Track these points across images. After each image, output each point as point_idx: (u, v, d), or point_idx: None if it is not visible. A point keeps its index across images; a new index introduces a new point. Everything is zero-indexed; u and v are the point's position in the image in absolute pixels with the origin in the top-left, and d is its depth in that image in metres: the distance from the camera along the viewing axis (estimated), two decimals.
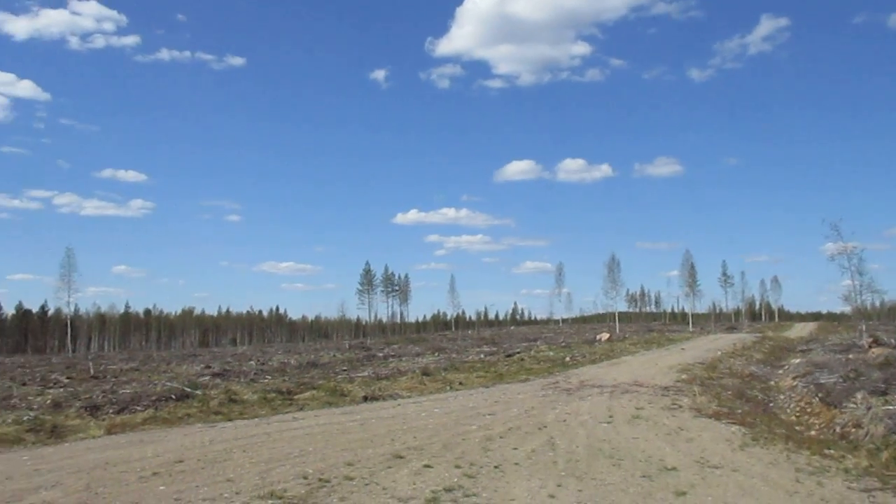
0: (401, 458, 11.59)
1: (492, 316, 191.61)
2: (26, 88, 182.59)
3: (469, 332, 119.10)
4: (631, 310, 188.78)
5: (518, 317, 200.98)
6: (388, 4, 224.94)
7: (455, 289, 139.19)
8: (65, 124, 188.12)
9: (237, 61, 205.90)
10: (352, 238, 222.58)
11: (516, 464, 11.24)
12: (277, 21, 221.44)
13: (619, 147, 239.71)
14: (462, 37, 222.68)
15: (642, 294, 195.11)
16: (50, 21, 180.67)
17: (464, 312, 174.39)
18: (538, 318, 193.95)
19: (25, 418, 18.43)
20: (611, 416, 16.28)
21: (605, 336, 57.68)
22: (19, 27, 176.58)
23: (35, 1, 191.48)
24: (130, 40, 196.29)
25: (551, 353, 38.85)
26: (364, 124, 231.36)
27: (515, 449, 12.43)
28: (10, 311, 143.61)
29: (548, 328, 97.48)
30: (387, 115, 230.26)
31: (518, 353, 39.52)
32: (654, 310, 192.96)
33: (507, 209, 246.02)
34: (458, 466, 10.95)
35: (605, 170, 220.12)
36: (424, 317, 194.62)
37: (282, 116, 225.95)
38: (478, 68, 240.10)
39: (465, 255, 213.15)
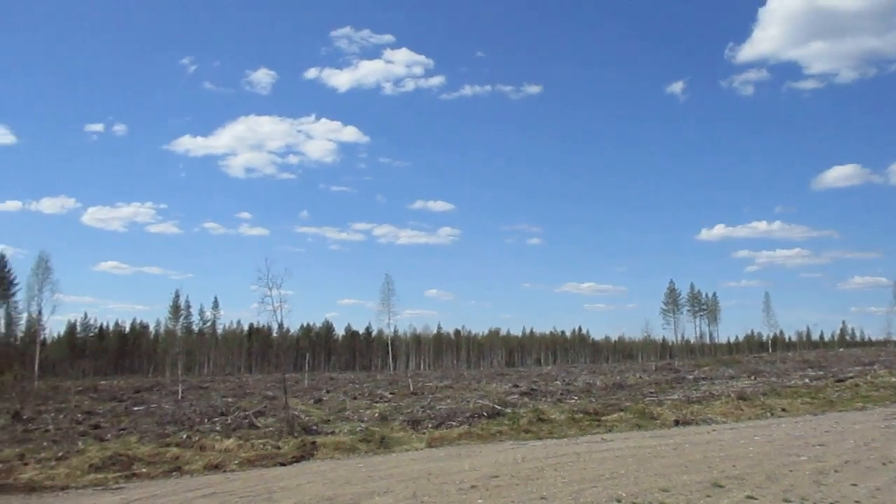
0: (720, 486, 10.82)
1: (815, 336, 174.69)
2: (350, 133, 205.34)
3: (789, 353, 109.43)
4: None
5: (848, 337, 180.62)
6: (682, 15, 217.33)
7: (770, 307, 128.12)
8: (382, 163, 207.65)
9: (534, 89, 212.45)
10: (654, 257, 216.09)
11: (857, 502, 9.92)
12: (570, 46, 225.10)
13: None
14: (767, 39, 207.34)
15: None
16: (367, 71, 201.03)
17: (781, 333, 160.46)
18: (873, 338, 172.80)
19: (358, 429, 20.42)
20: None
21: None
22: (342, 80, 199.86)
23: (354, 54, 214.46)
24: (436, 81, 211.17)
25: (894, 379, 34.13)
26: (662, 139, 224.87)
27: (855, 485, 10.98)
28: (340, 332, 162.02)
29: (886, 350, 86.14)
30: (686, 128, 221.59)
31: (851, 377, 35.30)
32: None
33: (828, 219, 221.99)
34: (786, 501, 9.94)
35: None
36: (736, 337, 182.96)
37: (579, 138, 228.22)
38: (786, 70, 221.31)
39: (780, 270, 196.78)
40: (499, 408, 24.00)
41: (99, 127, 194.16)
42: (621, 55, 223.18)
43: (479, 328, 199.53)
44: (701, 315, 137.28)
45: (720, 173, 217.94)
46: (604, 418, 21.13)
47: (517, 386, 40.07)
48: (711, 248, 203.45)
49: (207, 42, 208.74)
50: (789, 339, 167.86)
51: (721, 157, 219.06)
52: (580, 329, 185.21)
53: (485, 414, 22.46)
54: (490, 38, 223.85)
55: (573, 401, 28.00)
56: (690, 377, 43.69)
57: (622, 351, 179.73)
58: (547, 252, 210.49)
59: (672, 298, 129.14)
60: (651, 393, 30.97)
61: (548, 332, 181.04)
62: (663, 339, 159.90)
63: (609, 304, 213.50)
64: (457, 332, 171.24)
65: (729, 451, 14.50)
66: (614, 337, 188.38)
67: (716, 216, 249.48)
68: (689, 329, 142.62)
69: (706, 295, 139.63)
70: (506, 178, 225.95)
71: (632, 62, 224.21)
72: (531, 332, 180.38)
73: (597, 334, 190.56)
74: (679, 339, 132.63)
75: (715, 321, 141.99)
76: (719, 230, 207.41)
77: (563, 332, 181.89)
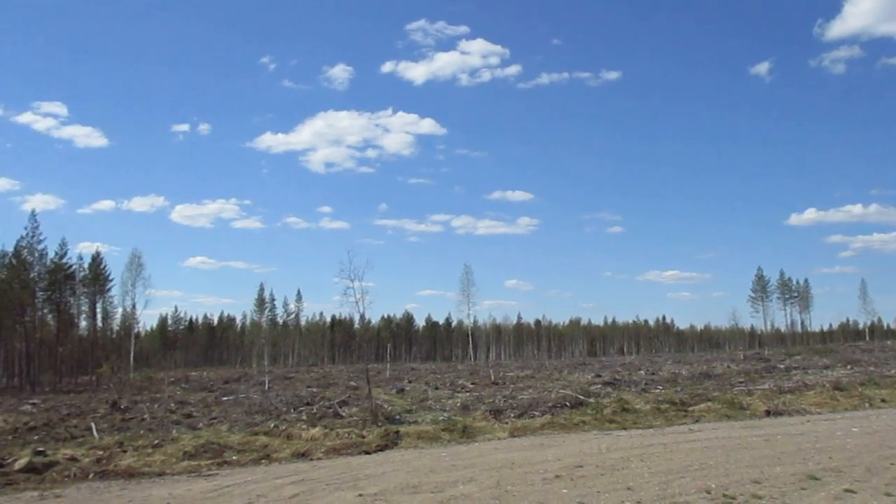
0: (815, 479, 10.39)
1: None
2: (427, 126, 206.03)
3: (888, 342, 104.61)
4: None
5: None
6: None
7: (867, 294, 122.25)
8: (460, 154, 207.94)
9: (613, 75, 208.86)
10: (741, 243, 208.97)
11: None
12: (649, 29, 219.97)
13: None
14: (859, 14, 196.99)
15: None
16: (443, 63, 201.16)
17: (880, 320, 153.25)
18: None
19: (441, 418, 20.53)
20: None
21: None
22: (418, 73, 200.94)
23: (430, 47, 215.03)
24: (513, 70, 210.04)
25: None
26: (748, 122, 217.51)
27: None
28: (420, 323, 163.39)
29: None
30: (772, 109, 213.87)
31: None
32: None
33: None
34: (888, 495, 9.46)
35: None
36: (830, 325, 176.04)
37: (659, 123, 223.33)
38: (880, 46, 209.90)
39: (878, 256, 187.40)
40: (581, 397, 23.74)
41: (185, 127, 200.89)
42: (703, 37, 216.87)
43: (560, 318, 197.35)
44: (791, 303, 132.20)
45: (810, 156, 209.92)
46: (691, 408, 20.63)
47: (599, 376, 39.63)
48: (802, 234, 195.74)
49: (285, 41, 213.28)
50: (888, 326, 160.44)
51: (811, 139, 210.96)
52: (664, 318, 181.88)
53: (567, 404, 22.26)
54: (566, 25, 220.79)
55: (658, 391, 27.47)
56: (781, 366, 42.31)
57: (708, 340, 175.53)
58: (628, 240, 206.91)
59: (760, 286, 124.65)
60: (740, 382, 30.10)
61: (630, 321, 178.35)
62: (751, 328, 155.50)
63: (694, 293, 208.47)
64: (537, 322, 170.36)
65: (825, 442, 13.94)
66: (700, 326, 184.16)
67: (807, 200, 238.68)
68: (779, 317, 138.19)
69: (797, 282, 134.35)
70: (585, 165, 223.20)
71: (714, 43, 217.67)
72: (613, 321, 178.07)
73: (681, 323, 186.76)
74: (768, 327, 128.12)
75: (806, 309, 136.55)
76: (810, 214, 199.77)
77: (645, 322, 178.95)
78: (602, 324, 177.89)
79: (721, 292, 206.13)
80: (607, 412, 19.95)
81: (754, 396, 22.73)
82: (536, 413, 20.53)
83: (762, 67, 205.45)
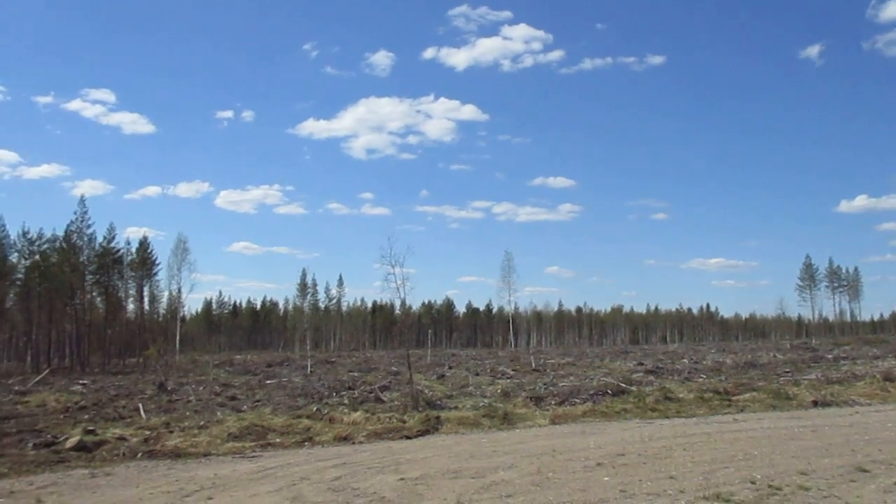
0: (865, 471, 10.17)
1: None
2: (469, 112, 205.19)
3: None
4: None
5: None
6: None
7: None
8: (501, 140, 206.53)
9: (658, 60, 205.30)
10: (788, 231, 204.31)
11: None
12: (694, 12, 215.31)
13: None
14: None
15: None
16: (485, 49, 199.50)
17: None
18: None
19: (481, 405, 20.58)
20: None
21: None
22: (460, 59, 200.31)
23: (472, 33, 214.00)
24: (555, 55, 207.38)
25: None
26: (797, 107, 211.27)
27: None
28: (461, 309, 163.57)
29: None
30: (823, 93, 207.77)
31: None
32: None
33: None
34: None
35: None
36: (881, 315, 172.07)
37: (706, 108, 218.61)
38: None
39: None
40: (623, 385, 23.58)
41: (229, 114, 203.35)
42: (750, 20, 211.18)
43: (602, 305, 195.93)
44: (841, 291, 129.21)
45: (862, 141, 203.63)
46: (735, 398, 20.35)
47: (642, 364, 39.32)
48: (852, 221, 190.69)
49: (327, 27, 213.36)
50: None
51: (863, 124, 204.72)
52: (708, 306, 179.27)
53: (609, 391, 22.13)
54: (609, 9, 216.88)
55: (701, 380, 27.16)
56: (829, 356, 41.52)
57: (753, 329, 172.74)
58: (672, 228, 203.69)
59: (808, 274, 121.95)
60: (786, 372, 29.62)
61: (673, 309, 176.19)
62: (799, 317, 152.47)
63: (739, 281, 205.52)
64: (578, 310, 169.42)
65: (874, 434, 13.63)
66: (745, 314, 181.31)
67: (857, 186, 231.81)
68: (828, 306, 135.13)
69: (846, 270, 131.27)
70: (629, 152, 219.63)
71: (762, 26, 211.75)
72: (656, 309, 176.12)
73: (726, 312, 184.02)
74: (816, 316, 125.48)
75: (856, 298, 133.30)
76: (861, 201, 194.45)
77: (689, 310, 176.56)
78: (644, 311, 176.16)
79: (767, 281, 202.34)
80: (649, 400, 19.77)
81: (801, 387, 22.32)
82: (578, 400, 20.45)
83: (812, 51, 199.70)
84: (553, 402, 20.27)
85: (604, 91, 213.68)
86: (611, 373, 32.03)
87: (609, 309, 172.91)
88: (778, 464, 10.76)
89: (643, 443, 13.02)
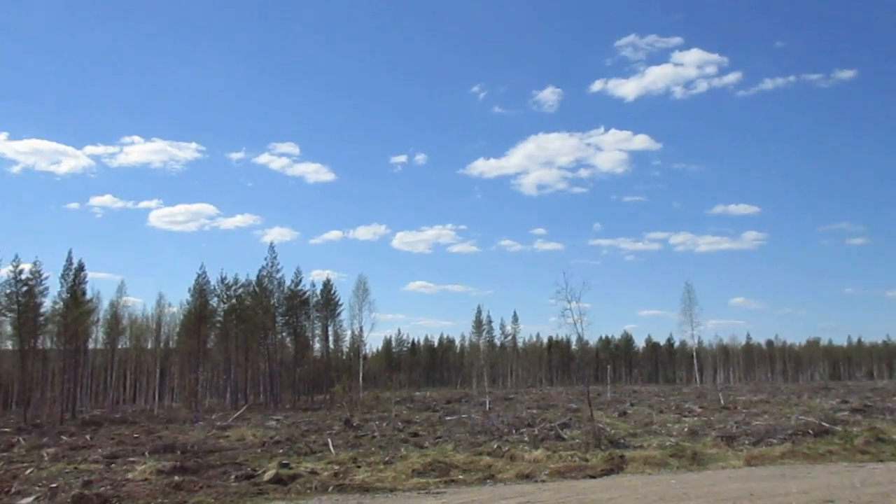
0: None
1: None
2: (641, 142, 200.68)
3: None
4: None
5: None
6: None
7: None
8: (676, 168, 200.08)
9: (847, 74, 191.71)
10: None
11: None
12: (886, 20, 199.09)
13: None
14: None
15: None
16: (655, 77, 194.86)
17: None
18: None
19: (667, 444, 19.62)
20: None
21: None
22: (629, 89, 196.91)
23: (641, 62, 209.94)
24: (732, 78, 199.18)
25: None
26: None
27: None
28: (640, 344, 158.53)
29: None
30: None
31: None
32: None
33: None
34: None
35: None
36: None
37: None
38: None
39: None
40: (826, 425, 21.69)
41: (402, 158, 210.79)
42: None
43: (795, 338, 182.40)
44: None
45: None
46: None
47: (846, 401, 36.14)
48: None
49: (494, 68, 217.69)
50: None
51: None
52: None
53: (810, 431, 20.43)
54: (788, 26, 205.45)
55: None
56: None
57: None
58: (872, 253, 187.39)
59: None
60: None
61: (880, 341, 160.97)
62: None
63: None
64: (769, 343, 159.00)
65: None
66: None
67: None
68: None
69: None
70: (818, 174, 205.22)
71: None
72: (858, 341, 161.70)
73: None
74: None
75: None
76: None
77: None
78: (846, 344, 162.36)
79: None
80: (858, 442, 18.01)
81: None
82: (774, 441, 19.01)
83: None
84: (747, 442, 18.99)
85: (787, 111, 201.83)
86: (810, 411, 29.62)
87: (804, 342, 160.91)
88: None
89: (854, 489, 11.82)
